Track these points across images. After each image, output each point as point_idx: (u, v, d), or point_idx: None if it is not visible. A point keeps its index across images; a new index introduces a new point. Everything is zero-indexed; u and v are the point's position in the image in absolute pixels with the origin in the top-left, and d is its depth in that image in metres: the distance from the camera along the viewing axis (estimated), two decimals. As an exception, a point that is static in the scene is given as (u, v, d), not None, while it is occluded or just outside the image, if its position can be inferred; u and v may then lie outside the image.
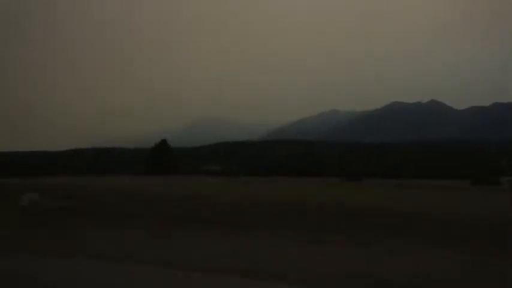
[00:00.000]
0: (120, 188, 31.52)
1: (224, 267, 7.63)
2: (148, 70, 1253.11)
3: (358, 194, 29.46)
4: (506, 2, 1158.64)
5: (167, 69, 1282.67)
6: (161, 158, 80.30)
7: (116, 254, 8.80)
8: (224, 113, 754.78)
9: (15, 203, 19.75)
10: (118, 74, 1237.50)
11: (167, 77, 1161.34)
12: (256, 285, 6.71)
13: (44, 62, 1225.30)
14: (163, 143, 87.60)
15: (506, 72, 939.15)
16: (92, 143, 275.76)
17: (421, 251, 9.21)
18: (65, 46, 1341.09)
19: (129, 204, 19.65)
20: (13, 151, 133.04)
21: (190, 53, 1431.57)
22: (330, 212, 16.51)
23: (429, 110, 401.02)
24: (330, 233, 11.53)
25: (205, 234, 11.49)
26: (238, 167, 67.42)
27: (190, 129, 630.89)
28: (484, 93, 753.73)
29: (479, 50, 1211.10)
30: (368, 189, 37.58)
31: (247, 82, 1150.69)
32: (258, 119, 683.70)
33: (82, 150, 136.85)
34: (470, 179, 53.27)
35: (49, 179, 50.80)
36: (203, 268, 7.52)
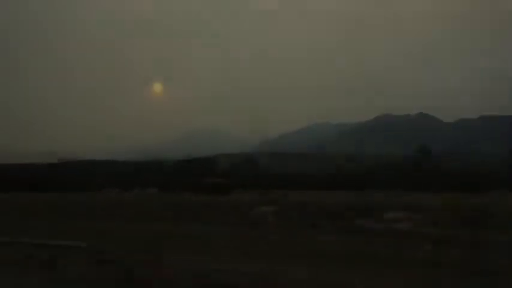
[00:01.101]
0: None
1: None
2: (141, 78, 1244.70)
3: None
4: (496, 14, 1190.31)
5: (159, 78, 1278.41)
6: (424, 168, 61.89)
7: None
8: (213, 124, 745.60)
9: None
10: (108, 82, 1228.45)
11: (160, 86, 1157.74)
12: None
13: (30, 65, 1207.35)
14: (424, 148, 69.61)
15: (494, 84, 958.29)
16: (75, 155, 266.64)
17: None
18: (53, 54, 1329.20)
19: None
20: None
21: (185, 62, 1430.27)
22: None
23: (418, 122, 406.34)
24: None
25: None
26: (243, 180, 66.58)
27: (180, 140, 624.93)
28: (472, 105, 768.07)
29: (468, 62, 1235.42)
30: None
31: (238, 94, 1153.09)
32: (250, 130, 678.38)
33: (67, 163, 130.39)
34: None
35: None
36: None
